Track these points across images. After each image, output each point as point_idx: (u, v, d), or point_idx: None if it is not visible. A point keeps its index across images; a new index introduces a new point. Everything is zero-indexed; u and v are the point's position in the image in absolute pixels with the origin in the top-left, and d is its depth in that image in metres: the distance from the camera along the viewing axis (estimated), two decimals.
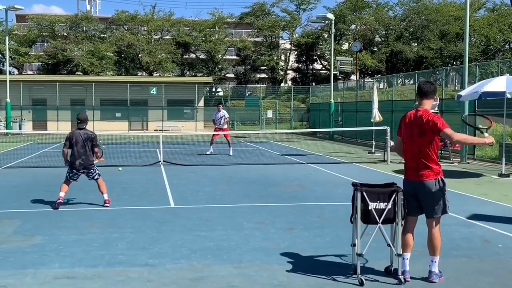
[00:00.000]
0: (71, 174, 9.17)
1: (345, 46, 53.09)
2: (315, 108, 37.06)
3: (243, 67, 55.21)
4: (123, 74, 49.62)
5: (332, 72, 31.79)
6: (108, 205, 9.20)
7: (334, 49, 36.99)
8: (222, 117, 19.03)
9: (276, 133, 33.15)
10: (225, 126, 19.37)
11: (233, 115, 40.73)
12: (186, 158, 17.70)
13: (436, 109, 17.49)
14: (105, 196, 9.27)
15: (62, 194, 9.10)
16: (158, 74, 50.02)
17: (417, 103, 5.62)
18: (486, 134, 5.66)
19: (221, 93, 50.00)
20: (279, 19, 53.97)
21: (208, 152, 18.98)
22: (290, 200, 10.07)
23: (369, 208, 5.21)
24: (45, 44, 51.71)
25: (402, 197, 5.28)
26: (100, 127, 35.74)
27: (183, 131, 35.62)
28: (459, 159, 17.23)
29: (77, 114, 9.50)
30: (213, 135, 19.55)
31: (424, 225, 5.46)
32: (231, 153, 18.89)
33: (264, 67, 54.21)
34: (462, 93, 14.67)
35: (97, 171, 9.31)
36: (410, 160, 5.43)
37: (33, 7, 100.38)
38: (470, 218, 8.39)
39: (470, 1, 19.85)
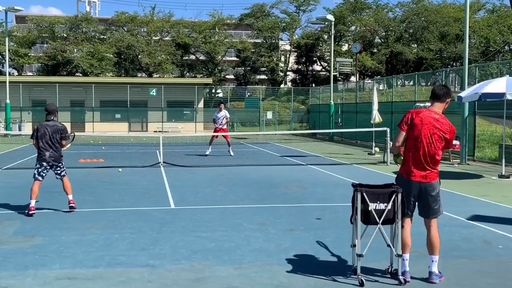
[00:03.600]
0: (40, 170, 8.69)
1: (345, 48, 53.14)
2: (315, 109, 37.07)
3: (243, 68, 55.23)
4: (123, 75, 49.65)
5: (332, 74, 31.81)
6: (72, 205, 8.76)
7: (334, 51, 37.02)
8: (223, 116, 18.84)
9: (276, 134, 33.16)
10: (225, 127, 19.21)
11: (233, 116, 40.71)
12: (186, 159, 17.71)
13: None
14: (70, 197, 8.82)
15: (33, 202, 8.55)
16: (158, 75, 50.05)
17: (420, 104, 5.66)
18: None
19: (221, 95, 50.02)
20: (278, 21, 54.01)
21: (207, 153, 18.82)
22: (290, 201, 10.07)
23: (369, 208, 5.21)
24: (45, 45, 51.75)
25: (401, 197, 5.28)
26: (100, 128, 35.80)
27: (182, 132, 35.65)
28: (459, 160, 17.25)
29: (45, 105, 9.10)
30: (213, 135, 19.36)
31: (423, 226, 5.47)
32: (232, 153, 18.81)
33: (264, 69, 54.25)
34: (462, 94, 14.68)
35: (64, 168, 8.90)
36: (418, 161, 5.32)
37: (31, 8, 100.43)
38: (470, 219, 8.40)
39: (470, 3, 19.87)
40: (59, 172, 8.85)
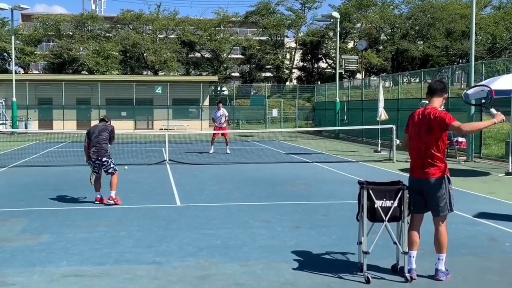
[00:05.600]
0: (91, 165, 9.36)
1: (351, 45, 52.97)
2: (321, 106, 37.02)
3: (248, 66, 55.17)
4: (129, 73, 49.73)
5: (338, 71, 31.73)
6: (111, 201, 9.19)
7: (340, 48, 36.92)
8: (222, 115, 19.09)
9: (281, 132, 33.15)
10: (225, 125, 19.41)
11: (238, 114, 40.76)
12: (191, 157, 17.73)
13: (443, 107, 17.43)
14: (112, 193, 9.29)
15: (98, 195, 9.36)
16: (163, 73, 50.07)
17: (425, 101, 5.67)
18: (492, 110, 5.66)
19: (226, 92, 50.01)
20: (284, 18, 53.89)
21: (211, 151, 19.00)
22: (296, 198, 10.07)
23: (375, 206, 5.21)
24: (51, 43, 51.85)
25: (407, 195, 5.27)
26: None
27: (188, 130, 35.68)
28: (465, 158, 17.18)
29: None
30: (214, 134, 19.61)
31: (431, 224, 5.46)
32: (228, 151, 18.96)
33: (269, 66, 54.16)
34: (469, 91, 14.59)
35: (112, 165, 9.40)
36: (416, 158, 5.42)
37: (36, 7, 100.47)
38: (477, 217, 8.37)
39: None
40: (105, 169, 9.36)
